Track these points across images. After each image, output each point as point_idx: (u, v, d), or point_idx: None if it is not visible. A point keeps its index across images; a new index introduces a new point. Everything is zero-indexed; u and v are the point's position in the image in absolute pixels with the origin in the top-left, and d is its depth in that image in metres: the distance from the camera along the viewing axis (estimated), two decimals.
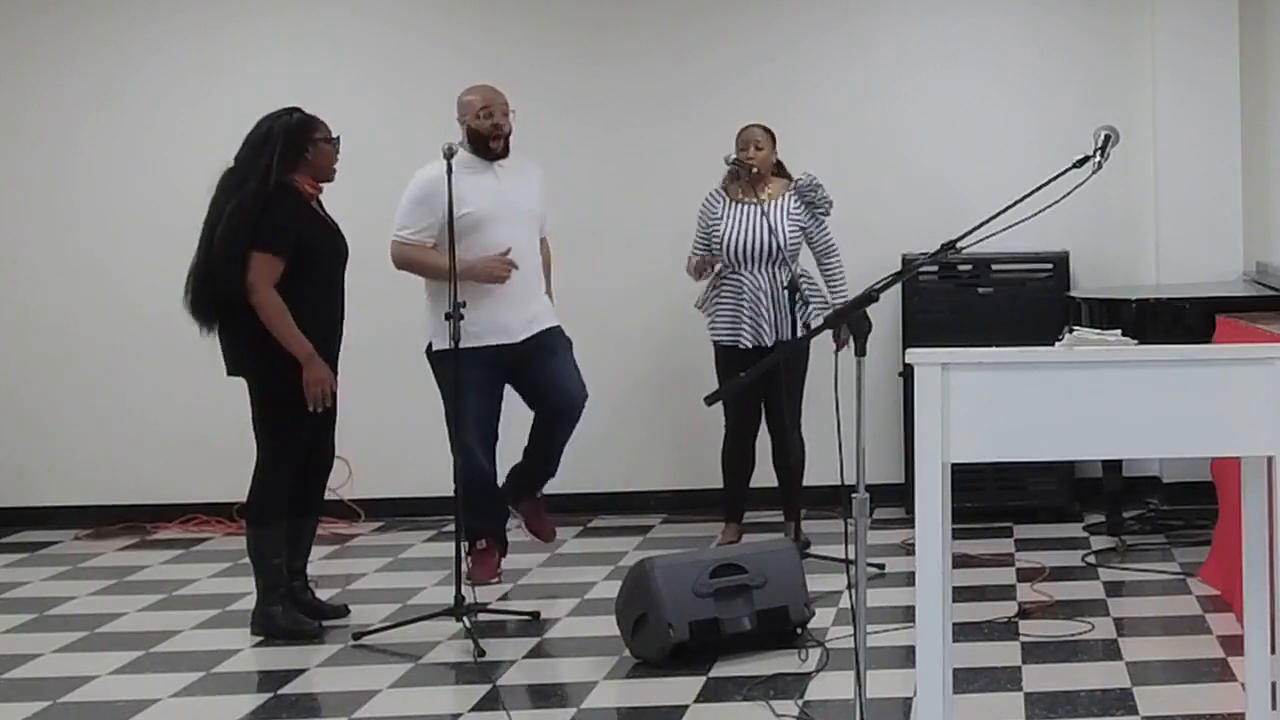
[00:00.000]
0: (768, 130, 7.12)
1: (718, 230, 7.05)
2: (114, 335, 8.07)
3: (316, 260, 5.86)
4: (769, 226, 6.94)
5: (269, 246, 5.73)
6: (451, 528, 5.97)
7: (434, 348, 6.51)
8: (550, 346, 6.65)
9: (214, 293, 5.77)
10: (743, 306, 7.00)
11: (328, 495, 6.24)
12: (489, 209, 6.49)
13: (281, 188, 5.80)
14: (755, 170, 7.00)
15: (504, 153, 6.58)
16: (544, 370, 6.65)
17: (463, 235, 6.37)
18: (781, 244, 6.92)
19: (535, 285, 6.64)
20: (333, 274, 5.98)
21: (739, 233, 7.00)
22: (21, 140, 8.12)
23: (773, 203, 7.06)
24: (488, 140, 6.54)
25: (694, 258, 7.13)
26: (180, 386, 7.95)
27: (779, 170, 7.20)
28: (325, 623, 6.01)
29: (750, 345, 6.96)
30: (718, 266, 7.12)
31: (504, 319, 6.49)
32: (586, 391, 6.73)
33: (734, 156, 6.99)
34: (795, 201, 7.10)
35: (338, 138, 5.98)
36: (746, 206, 7.04)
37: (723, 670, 5.35)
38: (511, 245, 6.51)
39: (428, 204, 6.44)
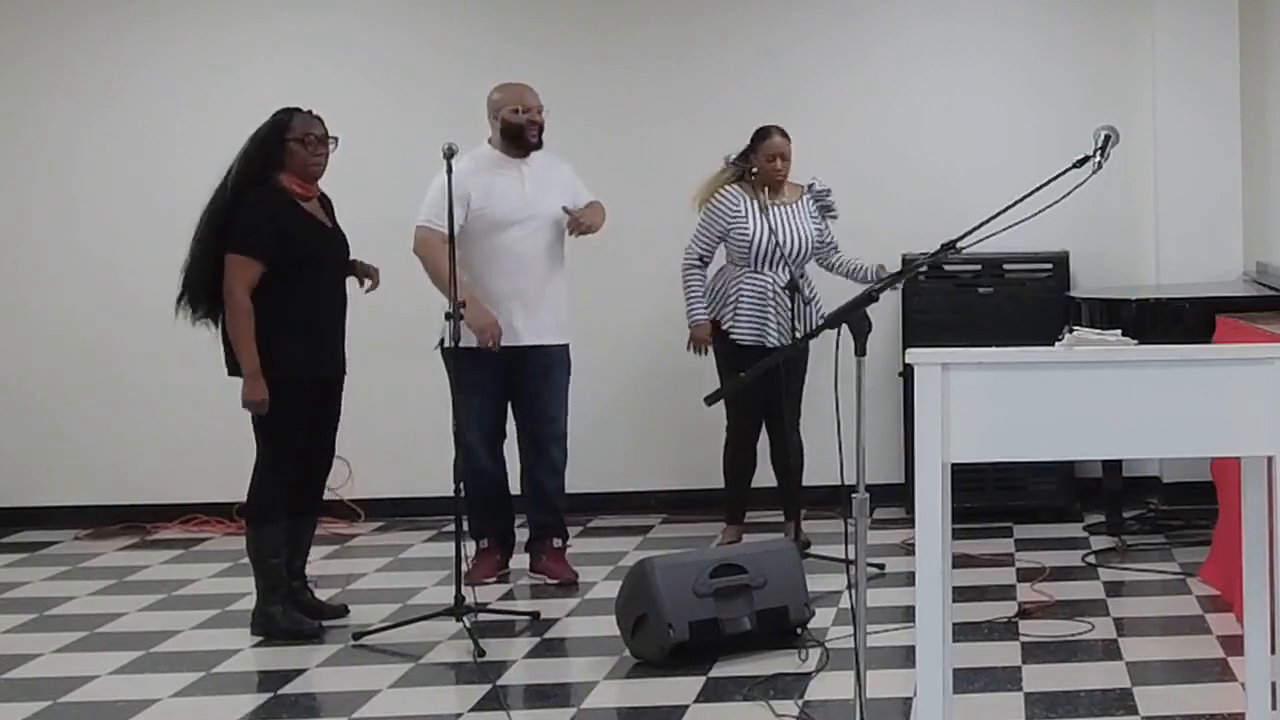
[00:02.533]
0: (788, 138, 7.08)
1: (743, 229, 7.00)
2: (114, 335, 8.07)
3: (310, 265, 5.84)
4: (796, 227, 6.95)
5: (241, 248, 5.73)
6: (451, 528, 5.96)
7: (444, 344, 6.51)
8: (545, 366, 6.59)
9: (198, 295, 5.80)
10: (768, 307, 6.97)
11: (327, 495, 6.26)
12: (509, 213, 6.48)
13: (262, 190, 5.80)
14: (755, 172, 7.00)
15: (539, 144, 6.57)
16: (527, 391, 6.61)
17: (483, 235, 6.41)
18: (809, 244, 6.94)
19: (545, 295, 6.57)
20: (326, 278, 5.96)
21: (769, 233, 6.94)
22: (23, 139, 8.12)
23: (790, 206, 7.06)
24: (524, 132, 6.54)
25: (692, 321, 7.09)
26: (180, 387, 7.95)
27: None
28: (325, 623, 6.00)
29: (775, 344, 6.94)
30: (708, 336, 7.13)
31: (511, 321, 6.47)
32: (562, 427, 6.65)
33: (734, 157, 6.99)
34: (812, 206, 7.11)
35: (335, 138, 5.97)
36: (773, 208, 7.01)
37: (723, 670, 5.35)
38: (526, 251, 6.51)
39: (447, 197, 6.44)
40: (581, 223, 6.59)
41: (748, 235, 7.01)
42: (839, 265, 7.15)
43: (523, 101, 6.57)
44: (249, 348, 5.74)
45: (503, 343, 6.47)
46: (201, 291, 5.80)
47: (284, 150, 5.87)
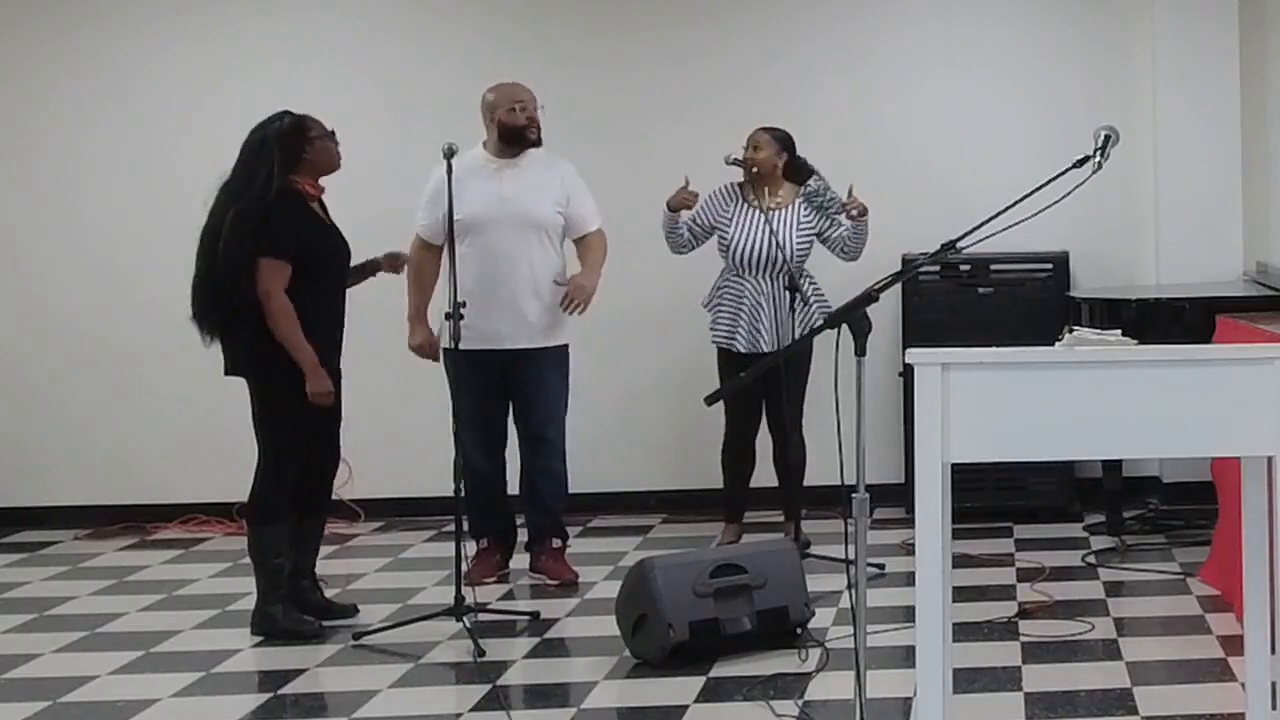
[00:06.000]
0: (772, 134, 7.08)
1: (725, 232, 7.03)
2: (115, 335, 8.07)
3: (318, 264, 5.85)
4: (773, 234, 6.93)
5: (275, 251, 5.74)
6: (451, 528, 5.96)
7: (441, 345, 6.52)
8: (537, 370, 6.58)
9: (221, 302, 5.77)
10: (742, 311, 7.00)
11: None
12: (478, 213, 6.43)
13: (283, 193, 5.80)
14: (755, 170, 7.00)
15: (538, 142, 6.56)
16: (521, 394, 6.61)
17: (460, 238, 6.37)
18: (787, 254, 6.91)
19: (535, 297, 6.53)
20: (335, 277, 5.98)
21: (745, 238, 6.98)
22: (27, 139, 8.12)
23: (782, 210, 7.05)
24: (524, 131, 6.52)
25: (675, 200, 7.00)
26: (180, 387, 7.95)
27: (790, 176, 7.15)
28: (331, 622, 6.00)
29: (745, 350, 6.95)
30: (693, 242, 7.08)
31: (494, 325, 6.46)
32: (557, 430, 6.64)
33: (733, 157, 6.99)
34: (805, 209, 7.09)
35: (333, 131, 5.97)
36: (755, 212, 7.01)
37: (723, 670, 5.35)
38: (504, 251, 6.47)
39: (434, 202, 6.44)
40: (574, 300, 6.54)
41: (727, 238, 7.04)
42: (848, 249, 7.10)
43: (517, 99, 6.54)
44: (303, 342, 5.75)
45: (492, 346, 6.47)
46: (234, 297, 5.74)
47: (310, 148, 5.87)
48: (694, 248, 7.16)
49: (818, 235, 7.10)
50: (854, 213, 6.95)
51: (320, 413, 5.88)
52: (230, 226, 5.75)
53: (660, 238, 7.21)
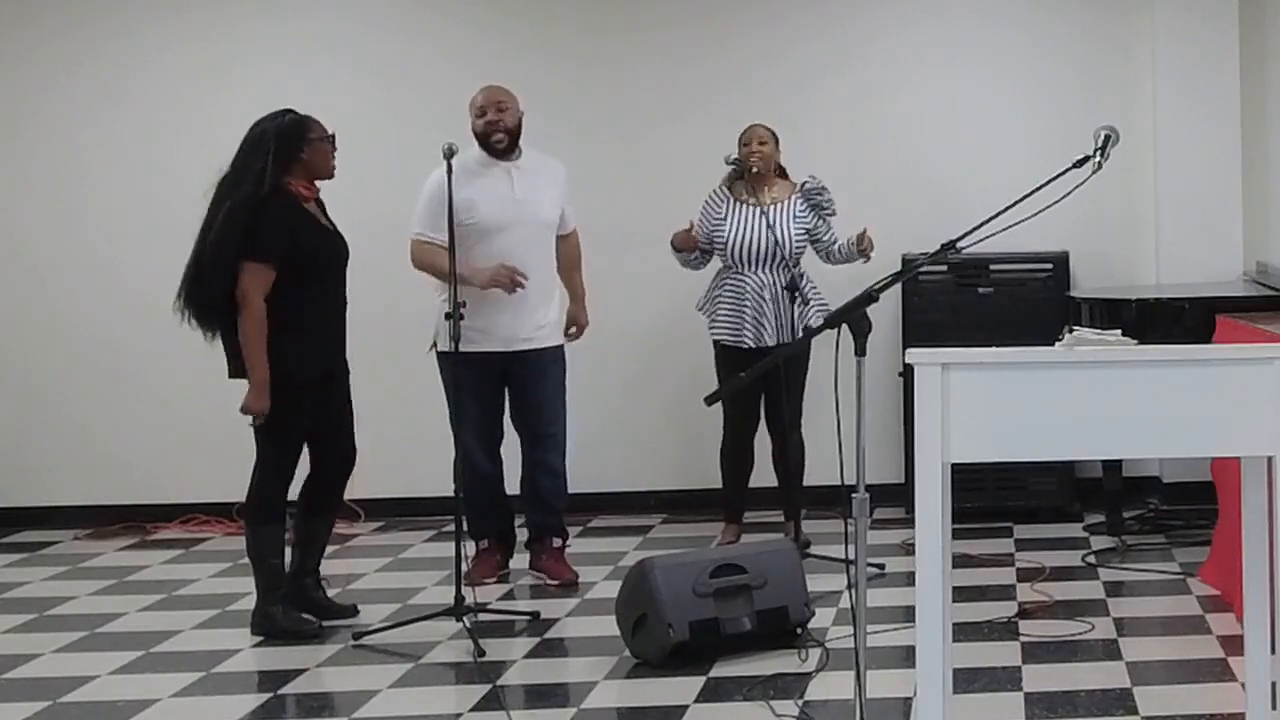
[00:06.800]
0: (771, 130, 7.12)
1: (721, 230, 7.05)
2: (116, 335, 8.07)
3: (313, 266, 5.84)
4: (770, 228, 6.94)
5: (260, 255, 5.72)
6: (451, 528, 5.97)
7: (437, 347, 6.52)
8: (539, 369, 6.58)
9: (206, 298, 5.77)
10: (745, 307, 7.00)
11: None
12: (496, 216, 6.44)
13: (276, 192, 5.78)
14: (755, 170, 7.00)
15: (510, 149, 6.54)
16: (523, 393, 6.61)
17: (471, 241, 6.36)
18: (784, 247, 6.92)
19: (542, 296, 6.55)
20: (332, 279, 5.96)
21: (742, 234, 7.00)
22: (28, 139, 8.13)
23: (778, 205, 7.06)
24: (487, 139, 6.52)
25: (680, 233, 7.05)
26: (180, 386, 7.95)
27: (782, 173, 7.20)
28: (331, 622, 6.00)
29: (752, 345, 6.96)
30: (704, 259, 7.11)
31: (501, 326, 6.46)
32: (559, 429, 6.65)
33: (734, 156, 7.00)
34: (801, 205, 7.10)
35: (333, 135, 5.97)
36: (750, 207, 7.03)
37: (723, 670, 5.35)
38: (519, 254, 6.45)
39: (440, 204, 6.42)
40: (579, 335, 6.86)
41: (723, 237, 7.04)
42: (833, 256, 7.15)
43: (482, 105, 6.50)
44: (262, 357, 5.73)
45: (496, 348, 6.46)
46: (213, 294, 5.76)
47: (308, 149, 5.86)
48: (706, 264, 7.18)
49: (809, 232, 7.10)
50: (870, 254, 6.98)
51: (319, 414, 5.89)
52: (221, 222, 5.73)
53: (659, 239, 7.21)
